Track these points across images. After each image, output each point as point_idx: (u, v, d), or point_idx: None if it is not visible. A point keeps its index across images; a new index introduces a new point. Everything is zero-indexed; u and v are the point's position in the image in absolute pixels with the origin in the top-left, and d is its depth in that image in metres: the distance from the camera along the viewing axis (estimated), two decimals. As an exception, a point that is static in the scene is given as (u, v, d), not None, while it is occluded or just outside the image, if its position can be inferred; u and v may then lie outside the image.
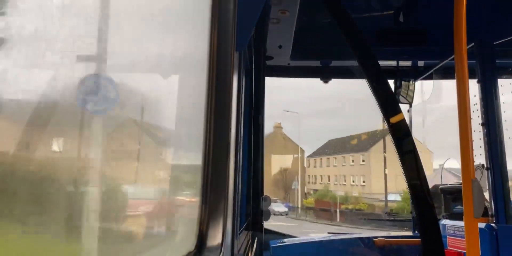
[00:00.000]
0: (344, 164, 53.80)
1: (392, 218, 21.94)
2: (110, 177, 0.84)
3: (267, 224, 3.45)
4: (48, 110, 0.63)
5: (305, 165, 58.80)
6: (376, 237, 3.79)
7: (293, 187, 48.35)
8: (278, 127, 55.56)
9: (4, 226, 0.55)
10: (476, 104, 3.60)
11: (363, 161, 50.33)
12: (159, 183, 1.06)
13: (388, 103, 2.50)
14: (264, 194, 3.46)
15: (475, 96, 3.58)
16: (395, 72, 4.25)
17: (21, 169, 0.59)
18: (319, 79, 4.38)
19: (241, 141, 2.01)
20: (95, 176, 0.79)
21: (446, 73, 4.15)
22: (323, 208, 39.08)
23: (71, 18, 0.64)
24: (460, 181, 2.26)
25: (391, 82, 4.16)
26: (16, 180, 0.57)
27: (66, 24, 0.64)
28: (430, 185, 3.44)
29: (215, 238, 0.91)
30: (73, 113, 0.70)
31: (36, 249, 0.62)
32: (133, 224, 0.93)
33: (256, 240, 3.15)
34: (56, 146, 0.68)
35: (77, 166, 0.72)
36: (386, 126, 2.51)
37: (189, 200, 1.08)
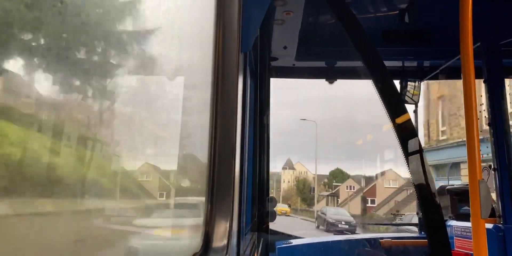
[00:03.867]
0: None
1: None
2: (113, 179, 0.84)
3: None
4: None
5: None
6: (382, 238, 3.77)
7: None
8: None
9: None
10: (482, 104, 3.58)
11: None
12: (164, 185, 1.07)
13: (394, 104, 2.49)
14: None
15: (481, 96, 3.56)
16: (400, 72, 4.24)
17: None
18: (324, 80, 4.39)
19: (247, 142, 2.01)
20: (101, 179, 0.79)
21: (452, 73, 4.14)
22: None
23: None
24: (467, 182, 2.25)
25: (396, 83, 4.16)
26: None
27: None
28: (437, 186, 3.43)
29: (221, 239, 0.92)
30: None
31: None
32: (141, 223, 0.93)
33: (262, 241, 3.15)
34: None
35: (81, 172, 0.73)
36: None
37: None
